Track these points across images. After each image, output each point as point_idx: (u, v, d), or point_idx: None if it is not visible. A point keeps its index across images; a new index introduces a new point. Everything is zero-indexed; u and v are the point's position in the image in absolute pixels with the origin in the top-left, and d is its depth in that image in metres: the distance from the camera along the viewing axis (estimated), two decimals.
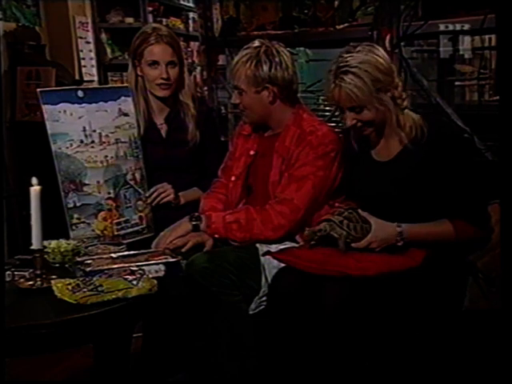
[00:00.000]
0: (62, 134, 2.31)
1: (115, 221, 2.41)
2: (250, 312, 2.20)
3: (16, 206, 3.86)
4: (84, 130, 2.36)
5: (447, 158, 2.05)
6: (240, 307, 2.20)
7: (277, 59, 2.30)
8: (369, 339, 2.00)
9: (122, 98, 2.51)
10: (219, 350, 2.24)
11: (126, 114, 2.51)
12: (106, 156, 2.41)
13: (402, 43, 2.78)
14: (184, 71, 2.66)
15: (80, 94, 2.38)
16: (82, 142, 2.34)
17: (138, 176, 2.52)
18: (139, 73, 2.63)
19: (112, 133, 2.44)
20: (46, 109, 2.30)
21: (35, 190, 1.80)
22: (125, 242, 2.30)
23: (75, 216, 2.34)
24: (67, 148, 2.31)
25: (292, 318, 2.03)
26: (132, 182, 2.51)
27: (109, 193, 2.41)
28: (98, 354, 2.16)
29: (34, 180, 1.81)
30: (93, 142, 2.37)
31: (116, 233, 2.41)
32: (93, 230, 2.36)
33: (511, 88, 1.46)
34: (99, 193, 2.38)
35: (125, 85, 2.77)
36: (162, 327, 2.43)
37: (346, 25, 3.10)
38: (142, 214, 2.52)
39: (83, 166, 2.34)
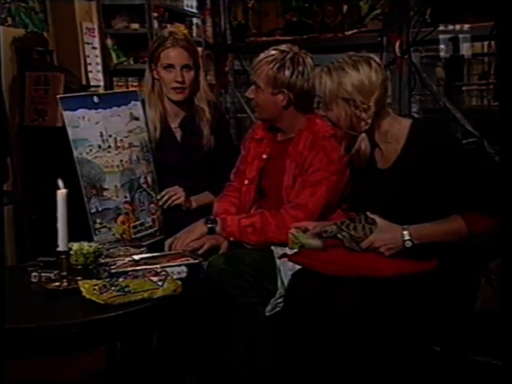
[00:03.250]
0: (82, 140, 2.33)
1: (132, 224, 2.45)
2: (267, 313, 2.22)
3: (25, 210, 3.88)
4: (101, 135, 2.38)
5: (445, 157, 2.02)
6: (256, 308, 2.23)
7: (300, 68, 2.32)
8: (383, 340, 2.03)
9: (132, 102, 2.55)
10: (235, 350, 2.26)
11: (136, 118, 2.54)
12: (122, 160, 2.44)
13: (412, 49, 2.82)
14: (200, 75, 2.68)
15: (96, 99, 2.41)
16: (99, 147, 2.37)
17: (149, 179, 2.56)
18: (156, 76, 2.64)
19: (125, 137, 2.47)
20: (67, 115, 2.31)
21: (62, 192, 1.79)
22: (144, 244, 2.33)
23: (98, 221, 2.36)
24: (87, 153, 2.34)
25: (308, 320, 2.04)
26: (145, 186, 2.54)
27: (125, 197, 2.44)
28: (112, 357, 2.17)
29: (61, 183, 1.80)
30: (109, 146, 2.40)
31: (133, 236, 2.44)
32: (113, 234, 2.38)
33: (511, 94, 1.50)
34: (117, 197, 2.41)
35: (134, 89, 2.78)
36: (177, 328, 2.44)
37: (354, 31, 3.13)
38: (154, 216, 2.56)
39: (102, 171, 2.37)
